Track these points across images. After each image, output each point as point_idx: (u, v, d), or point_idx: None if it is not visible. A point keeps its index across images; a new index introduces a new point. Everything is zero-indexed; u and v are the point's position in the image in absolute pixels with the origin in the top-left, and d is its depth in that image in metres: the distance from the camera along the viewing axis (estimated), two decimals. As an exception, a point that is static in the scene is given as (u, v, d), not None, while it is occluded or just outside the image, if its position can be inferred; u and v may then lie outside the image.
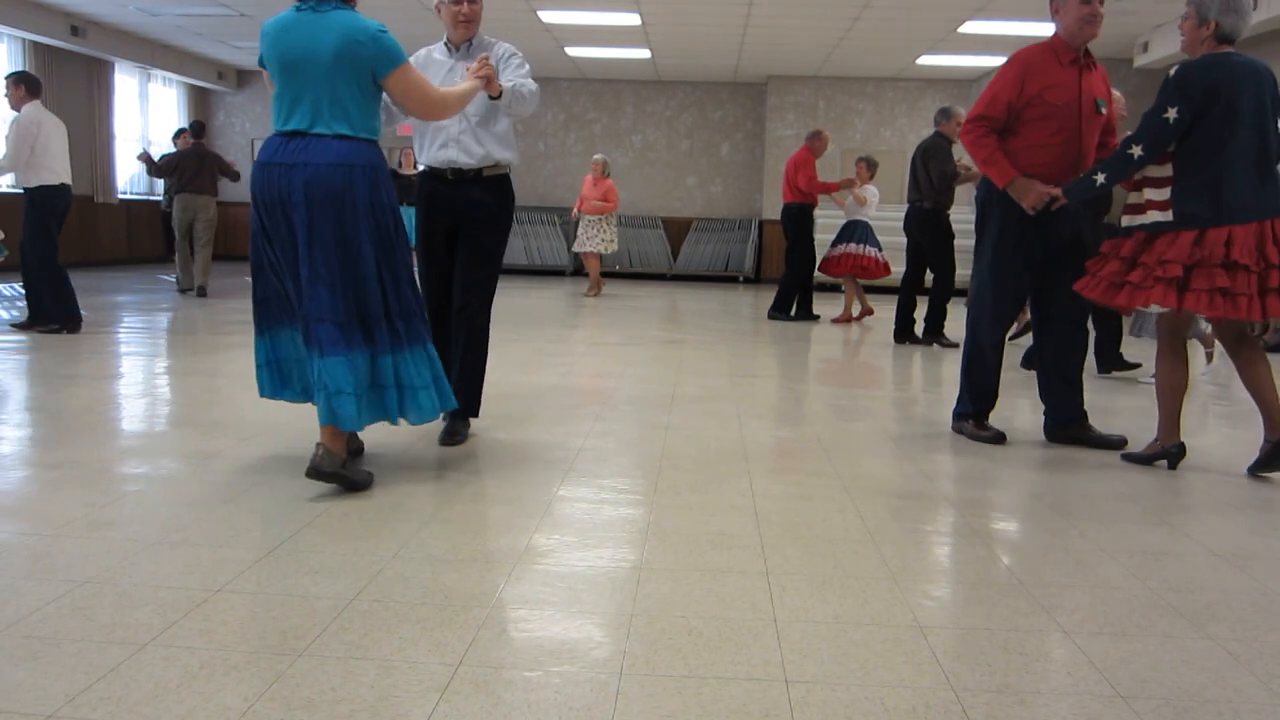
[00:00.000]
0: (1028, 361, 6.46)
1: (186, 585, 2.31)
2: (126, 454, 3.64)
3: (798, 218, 9.39)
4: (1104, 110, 4.07)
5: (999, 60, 13.26)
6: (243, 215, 16.33)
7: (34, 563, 2.44)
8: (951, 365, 6.83)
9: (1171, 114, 3.52)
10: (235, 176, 10.44)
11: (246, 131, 16.27)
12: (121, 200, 14.27)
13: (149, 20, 12.34)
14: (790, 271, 9.55)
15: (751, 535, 2.83)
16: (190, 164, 9.95)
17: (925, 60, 13.23)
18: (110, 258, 14.20)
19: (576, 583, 2.43)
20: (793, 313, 9.52)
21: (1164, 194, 3.61)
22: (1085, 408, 4.22)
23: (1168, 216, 3.59)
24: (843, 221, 9.27)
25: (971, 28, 11.25)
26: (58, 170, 6.81)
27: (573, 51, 13.34)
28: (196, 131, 10.46)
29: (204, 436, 3.92)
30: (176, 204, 10.02)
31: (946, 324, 7.84)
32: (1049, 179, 3.95)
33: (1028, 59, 4.00)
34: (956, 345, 7.30)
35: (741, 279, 15.24)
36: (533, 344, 7.15)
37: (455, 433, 3.90)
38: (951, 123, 7.70)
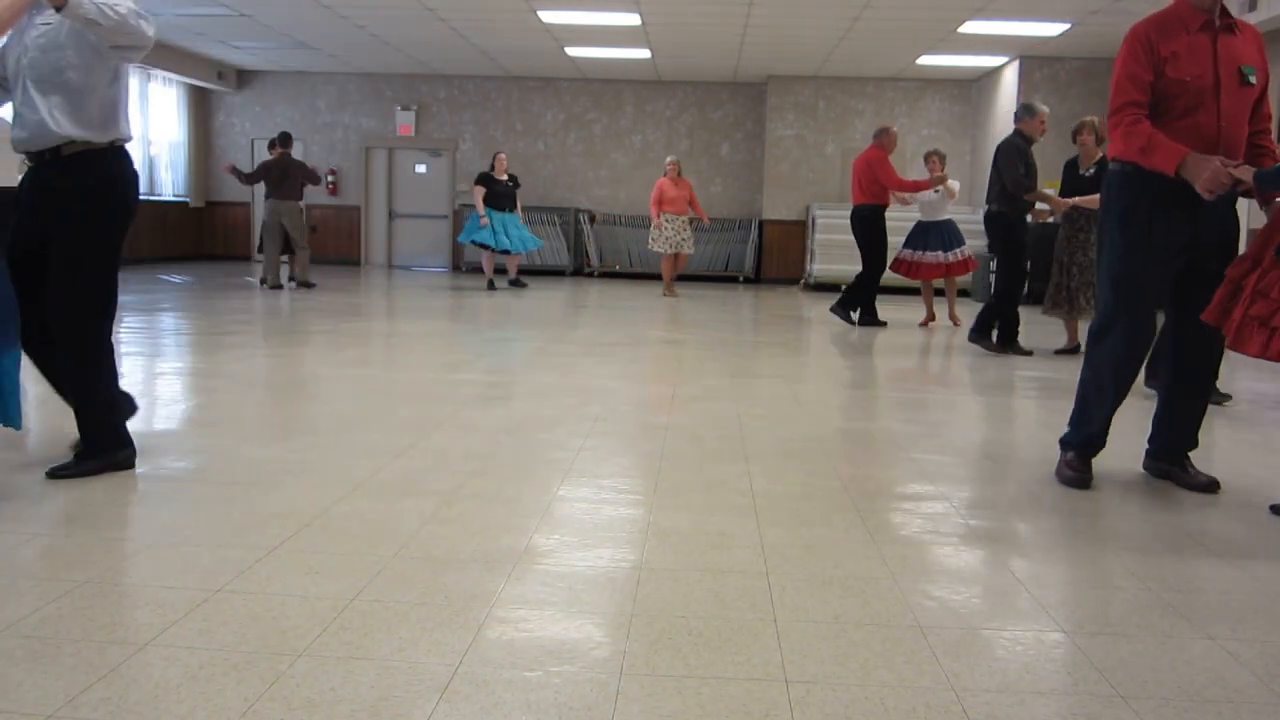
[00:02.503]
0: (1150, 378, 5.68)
1: (186, 585, 2.31)
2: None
3: (869, 220, 8.90)
4: (1254, 80, 3.33)
5: (999, 60, 13.27)
6: (240, 215, 16.35)
7: (34, 563, 2.45)
8: (965, 367, 6.83)
9: None
10: (318, 181, 11.32)
11: (247, 131, 16.26)
12: (121, 200, 14.24)
13: (149, 20, 12.33)
14: (863, 274, 9.01)
15: (751, 535, 2.83)
16: (275, 173, 10.89)
17: (925, 60, 13.22)
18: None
19: (576, 583, 2.43)
20: (858, 317, 9.02)
21: None
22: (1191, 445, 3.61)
23: None
24: (916, 222, 8.97)
25: (971, 28, 11.25)
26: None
27: (573, 51, 13.34)
28: (283, 142, 11.21)
29: (204, 436, 3.93)
30: (265, 208, 11.09)
31: (1020, 330, 7.36)
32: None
33: (1146, 31, 3.34)
34: (1030, 353, 7.16)
35: (741, 279, 15.23)
36: (533, 344, 7.15)
37: (64, 466, 3.24)
38: (1035, 120, 7.16)
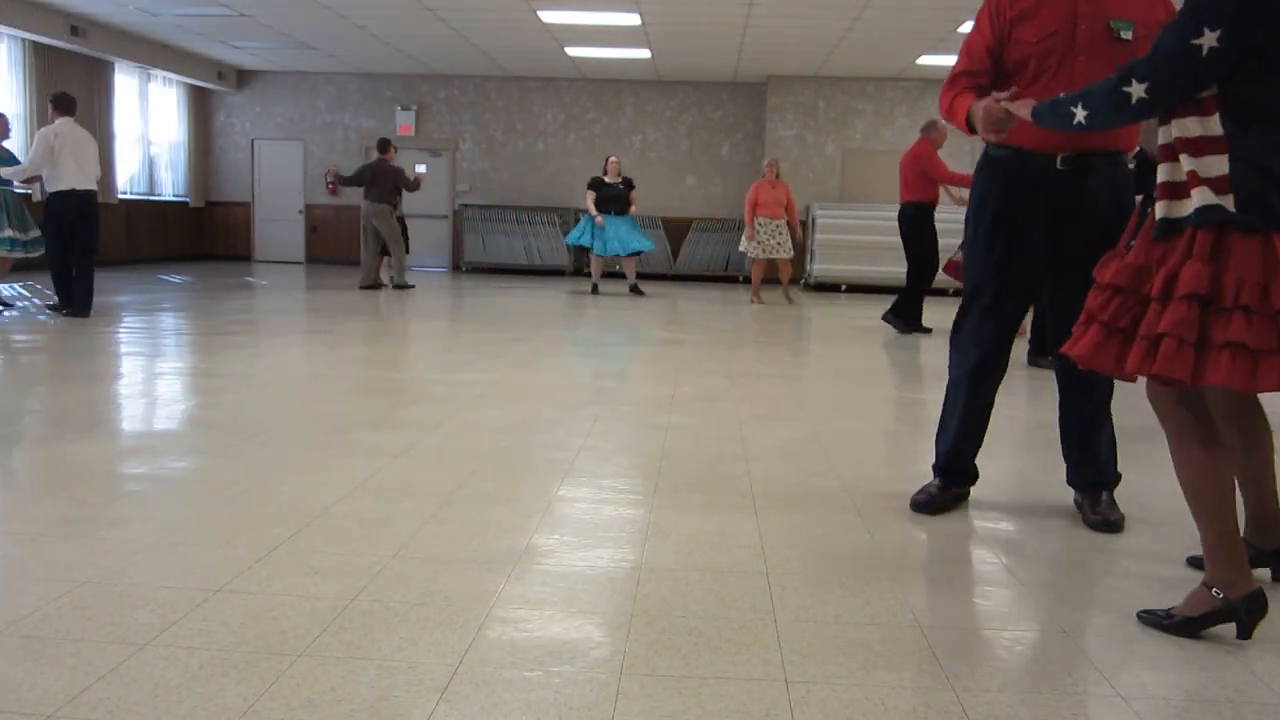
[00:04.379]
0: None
1: (186, 585, 2.31)
2: (126, 454, 3.64)
3: (915, 219, 8.42)
4: (1127, 36, 2.76)
5: (999, 60, 13.27)
6: (240, 215, 16.36)
7: (34, 563, 2.45)
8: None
9: (1207, 38, 2.09)
10: (412, 187, 11.51)
11: (247, 131, 16.27)
12: (121, 200, 14.25)
13: (149, 20, 12.34)
14: (909, 278, 8.58)
15: (751, 535, 2.83)
16: (367, 176, 11.22)
17: (925, 60, 13.22)
18: (110, 258, 14.19)
19: (576, 583, 2.43)
20: (905, 325, 8.50)
21: (1214, 165, 2.15)
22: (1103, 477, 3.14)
23: (1225, 202, 2.12)
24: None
25: (972, 27, 11.24)
26: (64, 178, 7.67)
27: (573, 51, 13.34)
28: (380, 148, 11.54)
29: (204, 436, 3.92)
30: (362, 210, 11.48)
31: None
32: (1044, 144, 2.80)
33: None
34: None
35: (742, 279, 15.23)
36: (533, 344, 7.15)
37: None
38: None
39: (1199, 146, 2.16)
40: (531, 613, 2.23)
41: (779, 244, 10.96)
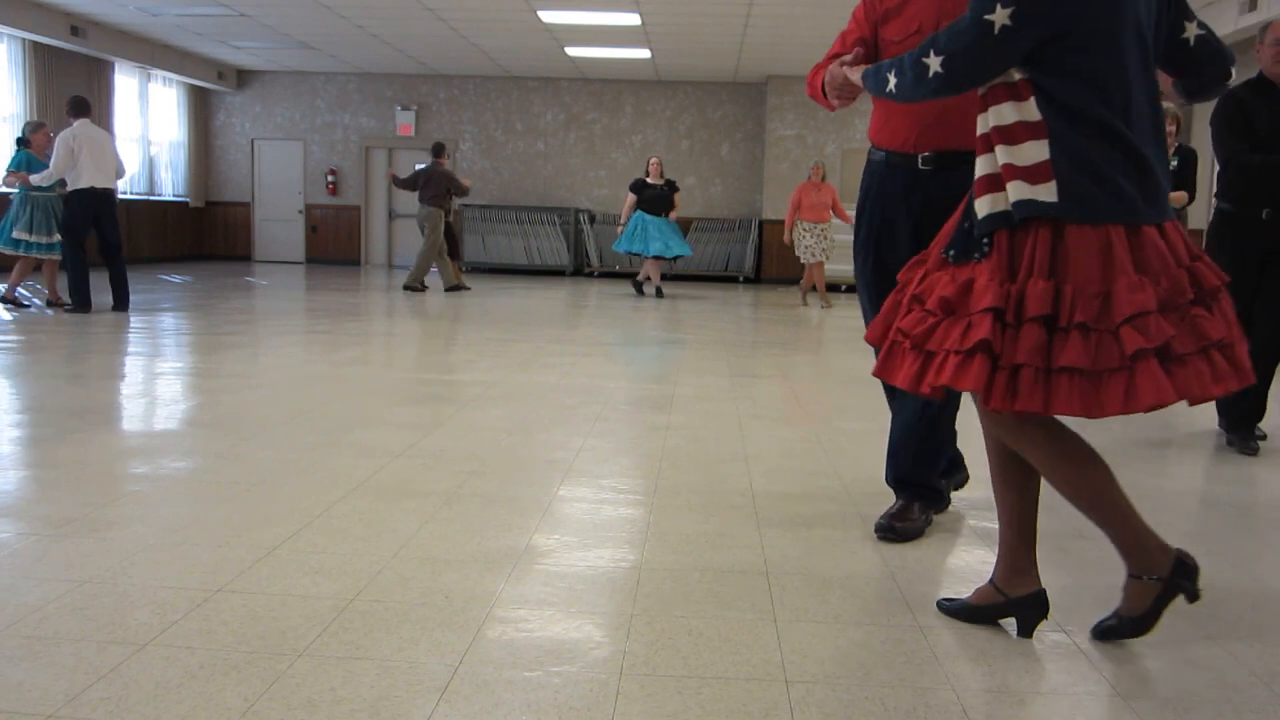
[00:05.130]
0: None
1: (186, 585, 2.31)
2: (126, 454, 3.64)
3: None
4: None
5: (999, 60, 13.26)
6: (240, 215, 16.35)
7: (34, 563, 2.44)
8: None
9: (999, 15, 1.96)
10: (463, 191, 11.70)
11: (246, 131, 16.27)
12: (121, 200, 14.24)
13: (149, 20, 12.34)
14: None
15: (751, 535, 2.83)
16: (421, 179, 11.55)
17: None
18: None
19: (576, 583, 2.43)
20: None
21: (1033, 152, 1.99)
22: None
23: (1041, 193, 1.97)
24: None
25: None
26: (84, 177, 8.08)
27: (573, 51, 13.34)
28: (435, 152, 11.80)
29: (204, 436, 3.92)
30: (416, 214, 11.79)
31: None
32: (906, 145, 2.77)
33: None
34: None
35: (741, 279, 15.23)
36: (533, 344, 7.15)
37: None
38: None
39: (1015, 134, 2.01)
40: (531, 613, 2.23)
41: (825, 248, 10.77)
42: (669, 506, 3.11)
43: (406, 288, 11.37)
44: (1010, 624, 2.24)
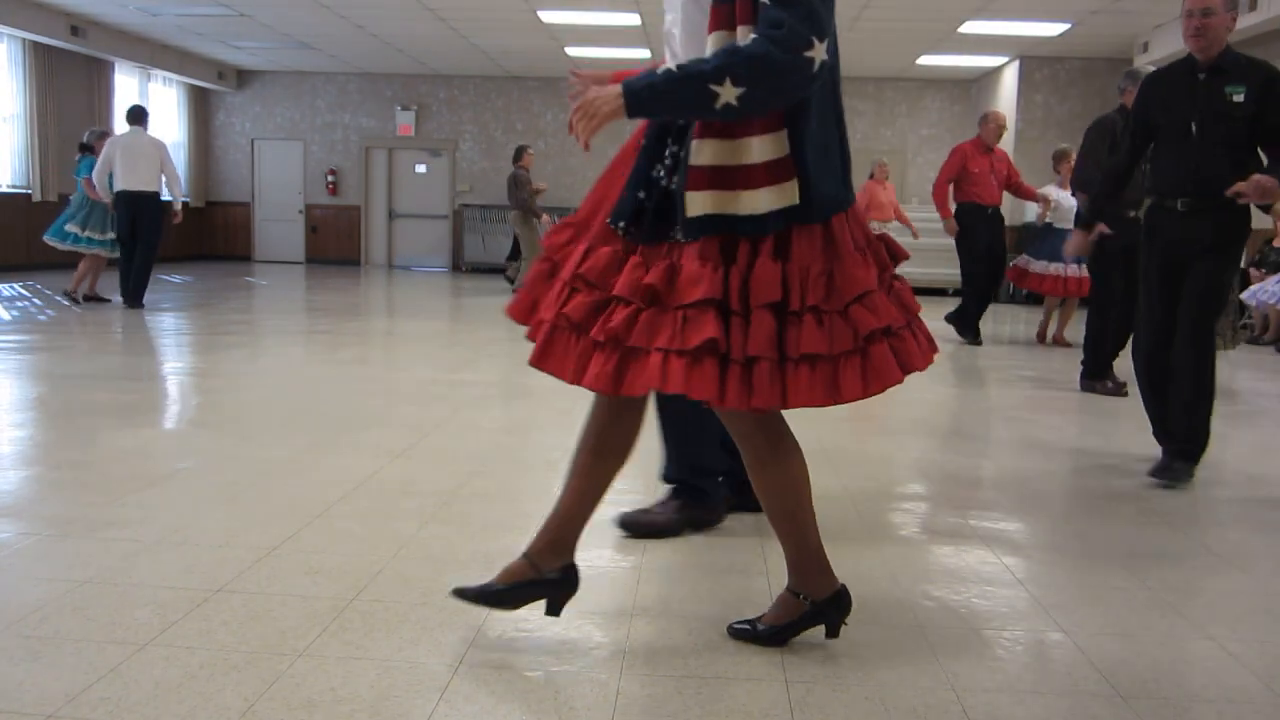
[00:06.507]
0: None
1: (186, 585, 2.31)
2: (127, 454, 3.63)
3: (962, 222, 7.71)
4: None
5: (999, 60, 13.28)
6: (240, 215, 16.35)
7: (34, 563, 2.44)
8: (966, 368, 6.82)
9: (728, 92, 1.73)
10: (523, 193, 11.86)
11: (246, 131, 16.27)
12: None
13: (149, 20, 12.34)
14: (962, 286, 8.04)
15: (752, 535, 2.83)
16: (509, 185, 11.67)
17: (925, 60, 13.22)
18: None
19: (576, 583, 2.43)
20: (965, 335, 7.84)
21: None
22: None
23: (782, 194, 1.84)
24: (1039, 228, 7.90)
25: (971, 28, 11.25)
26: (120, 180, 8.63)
27: (573, 51, 13.34)
28: (515, 156, 11.82)
29: (204, 436, 3.92)
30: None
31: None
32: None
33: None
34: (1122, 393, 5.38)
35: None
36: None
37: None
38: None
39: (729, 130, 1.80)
40: (531, 613, 2.22)
41: None
42: (669, 506, 3.10)
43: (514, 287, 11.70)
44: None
